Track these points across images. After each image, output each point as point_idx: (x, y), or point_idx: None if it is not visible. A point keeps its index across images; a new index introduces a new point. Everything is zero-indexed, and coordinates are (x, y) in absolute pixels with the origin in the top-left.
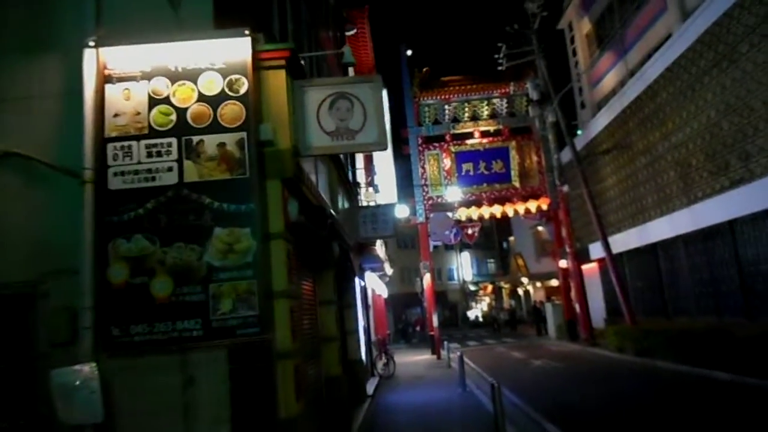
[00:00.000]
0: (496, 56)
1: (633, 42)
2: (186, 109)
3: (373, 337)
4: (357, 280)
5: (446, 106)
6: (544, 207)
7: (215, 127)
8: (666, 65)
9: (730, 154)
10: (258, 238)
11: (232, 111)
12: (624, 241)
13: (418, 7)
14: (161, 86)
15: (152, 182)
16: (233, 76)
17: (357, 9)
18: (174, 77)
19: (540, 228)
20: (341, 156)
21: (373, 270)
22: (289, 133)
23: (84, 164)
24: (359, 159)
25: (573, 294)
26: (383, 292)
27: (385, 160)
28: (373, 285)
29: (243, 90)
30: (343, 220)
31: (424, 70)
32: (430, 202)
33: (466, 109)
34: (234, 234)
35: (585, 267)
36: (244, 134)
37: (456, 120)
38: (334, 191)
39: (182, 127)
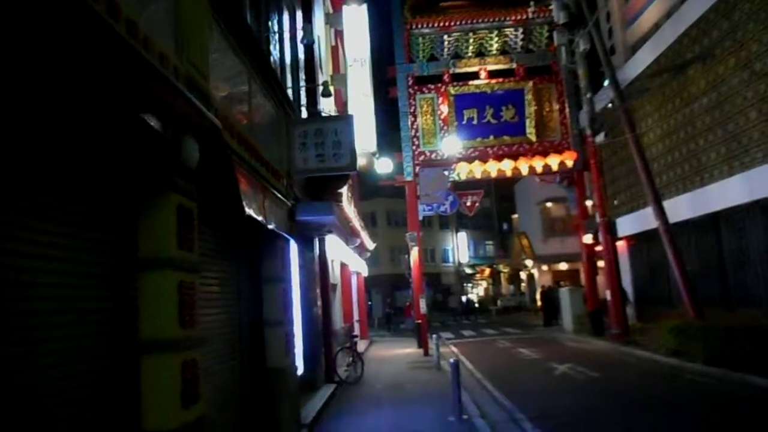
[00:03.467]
0: None
1: None
2: None
3: (340, 324)
4: (291, 242)
5: (445, 38)
6: (569, 163)
7: None
8: None
9: None
10: None
11: None
12: (670, 211)
13: None
14: None
15: None
16: None
17: None
18: None
19: (548, 204)
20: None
21: (321, 228)
22: None
23: None
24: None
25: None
26: (361, 269)
27: (362, 103)
28: (344, 258)
29: None
30: (255, 133)
31: None
32: (422, 157)
33: (471, 41)
34: None
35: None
36: None
37: (457, 56)
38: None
39: None
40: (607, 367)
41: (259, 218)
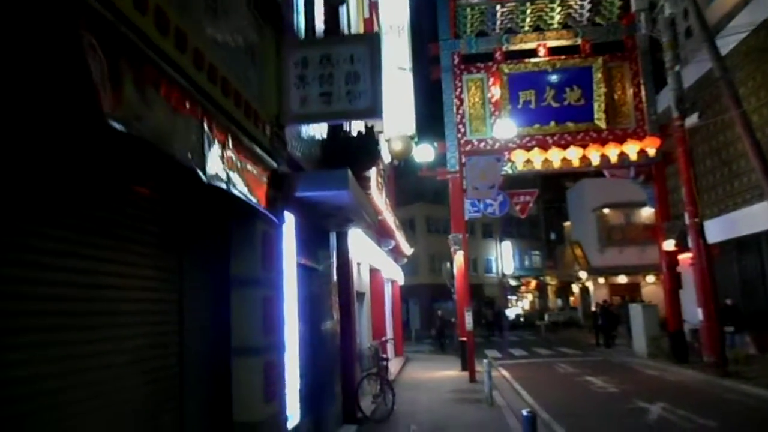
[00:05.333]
0: None
1: None
2: None
3: (367, 343)
4: (281, 225)
5: (498, 9)
6: (651, 152)
7: None
8: None
9: None
10: None
11: None
12: None
13: None
14: None
15: None
16: None
17: None
18: None
19: (606, 210)
20: None
21: (337, 214)
22: None
23: None
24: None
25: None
26: (397, 276)
27: (399, 78)
28: (375, 262)
29: None
30: (204, 34)
31: None
32: (468, 147)
33: (528, 13)
34: None
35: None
36: None
37: (511, 30)
38: None
39: None
40: (717, 411)
41: (174, 152)
